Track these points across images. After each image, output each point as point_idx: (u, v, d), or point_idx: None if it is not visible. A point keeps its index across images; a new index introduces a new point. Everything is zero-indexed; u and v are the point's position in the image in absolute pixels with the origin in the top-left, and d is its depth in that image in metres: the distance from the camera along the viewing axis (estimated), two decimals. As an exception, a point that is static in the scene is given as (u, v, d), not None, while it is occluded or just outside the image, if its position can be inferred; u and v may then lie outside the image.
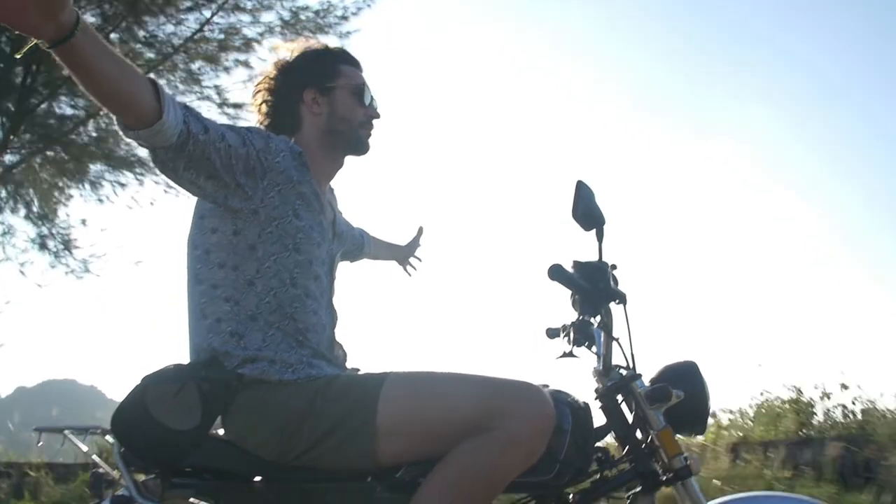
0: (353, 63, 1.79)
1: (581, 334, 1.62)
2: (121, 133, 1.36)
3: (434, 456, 1.45)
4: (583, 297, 1.52)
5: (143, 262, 8.91)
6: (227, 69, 8.10)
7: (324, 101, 1.73)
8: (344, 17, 8.08)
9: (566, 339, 1.65)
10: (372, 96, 1.78)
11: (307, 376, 1.54)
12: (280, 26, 7.93)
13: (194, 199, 1.62)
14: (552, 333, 1.78)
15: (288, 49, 1.78)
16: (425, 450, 1.46)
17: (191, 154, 1.41)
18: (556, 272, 1.43)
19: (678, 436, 1.58)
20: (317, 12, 8.03)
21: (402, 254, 2.38)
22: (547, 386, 1.61)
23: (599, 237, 1.52)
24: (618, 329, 1.60)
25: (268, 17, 7.97)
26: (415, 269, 2.42)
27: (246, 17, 7.86)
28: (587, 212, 1.48)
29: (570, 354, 1.65)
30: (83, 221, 8.72)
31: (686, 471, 1.48)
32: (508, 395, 1.44)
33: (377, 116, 1.77)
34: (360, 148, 1.77)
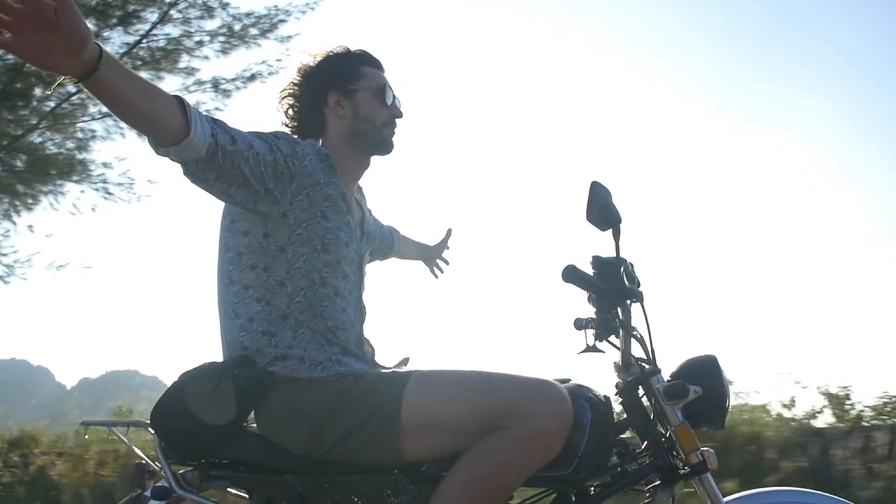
0: (374, 64, 1.83)
1: (603, 329, 1.64)
2: (153, 151, 1.43)
3: (456, 452, 1.50)
4: (598, 296, 1.54)
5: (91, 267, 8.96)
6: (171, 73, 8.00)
7: (347, 103, 1.77)
8: (283, 21, 8.05)
9: (590, 333, 1.67)
10: (394, 95, 1.82)
11: (336, 374, 1.60)
12: (222, 34, 7.89)
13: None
14: (580, 324, 1.80)
15: (310, 54, 1.83)
16: (447, 446, 1.51)
17: (220, 165, 1.47)
18: (569, 274, 1.46)
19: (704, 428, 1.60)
20: (259, 17, 7.99)
21: (430, 254, 2.40)
22: (569, 381, 1.65)
23: (616, 236, 1.54)
24: (641, 324, 1.63)
25: (211, 24, 7.91)
26: (441, 270, 2.43)
27: (188, 27, 7.82)
28: (603, 212, 1.50)
29: (594, 349, 1.67)
30: (30, 227, 8.50)
31: (702, 466, 1.50)
32: (526, 394, 1.48)
33: (400, 115, 1.82)
34: (385, 147, 1.81)
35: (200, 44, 7.81)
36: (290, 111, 1.83)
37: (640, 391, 1.60)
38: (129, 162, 8.34)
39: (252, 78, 8.01)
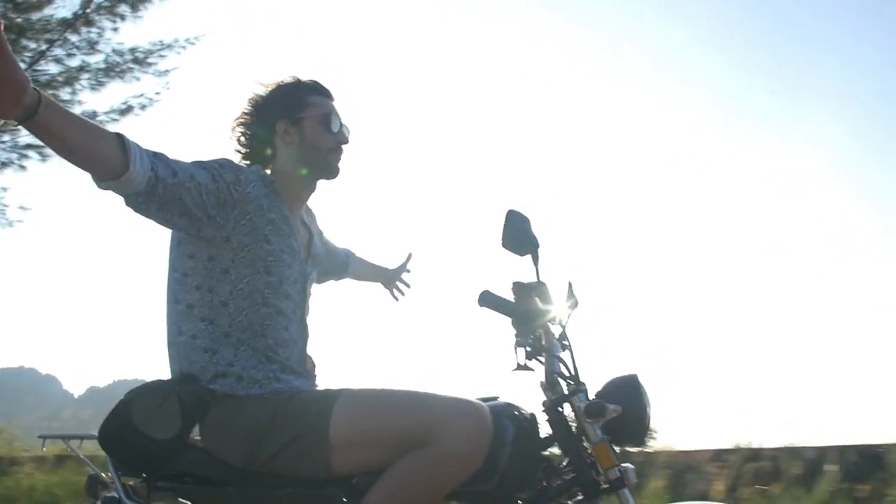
0: (322, 93, 1.91)
1: (534, 348, 1.72)
2: (95, 185, 1.51)
3: (384, 466, 1.57)
4: (514, 320, 1.62)
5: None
6: None
7: (294, 130, 1.85)
8: (162, 56, 8.66)
9: (521, 352, 1.75)
10: (341, 123, 1.90)
11: (273, 391, 1.67)
12: (101, 69, 8.32)
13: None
14: (515, 343, 1.87)
15: (261, 84, 1.92)
16: (374, 461, 1.58)
17: (161, 197, 1.55)
18: (484, 299, 1.53)
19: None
20: (140, 52, 8.52)
21: (389, 277, 2.47)
22: (496, 398, 1.72)
23: (535, 260, 1.61)
24: (581, 341, 1.70)
25: (94, 58, 8.38)
26: (402, 293, 2.49)
27: (71, 62, 8.26)
28: (519, 238, 1.58)
29: (524, 367, 1.74)
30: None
31: (620, 482, 1.57)
32: (444, 413, 1.55)
33: (346, 142, 1.89)
34: (331, 172, 1.89)
35: (76, 79, 8.26)
36: (242, 138, 1.91)
37: (565, 409, 1.67)
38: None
39: (127, 110, 8.54)
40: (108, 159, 1.46)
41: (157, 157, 1.56)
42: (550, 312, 1.62)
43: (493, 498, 1.63)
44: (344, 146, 1.90)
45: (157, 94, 8.67)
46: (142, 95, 8.60)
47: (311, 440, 1.59)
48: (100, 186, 1.51)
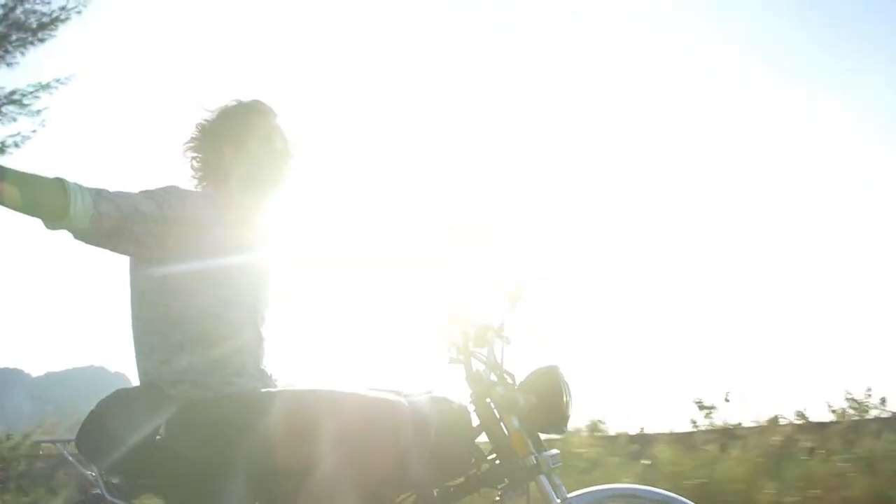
0: (263, 111, 2.04)
1: (463, 342, 1.80)
2: (45, 227, 1.67)
3: (322, 459, 1.70)
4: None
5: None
6: None
7: (242, 152, 1.98)
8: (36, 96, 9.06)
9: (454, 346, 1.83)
10: (284, 138, 2.02)
11: (224, 394, 1.83)
12: None
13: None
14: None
15: (207, 110, 2.05)
16: (313, 455, 1.72)
17: (107, 230, 1.71)
18: None
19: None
20: (18, 94, 8.93)
21: None
22: (429, 391, 1.82)
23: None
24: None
25: None
26: None
27: None
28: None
29: (458, 360, 1.83)
30: None
31: (536, 469, 1.64)
32: (370, 410, 1.67)
33: (290, 156, 2.02)
34: (279, 186, 2.03)
35: None
36: (194, 162, 2.05)
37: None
38: None
39: (2, 150, 8.88)
40: (50, 206, 1.62)
41: (99, 195, 1.71)
42: (474, 309, 1.69)
43: (426, 485, 1.74)
44: (289, 160, 2.02)
45: (33, 131, 9.22)
46: (17, 134, 9.11)
47: (256, 437, 1.74)
48: (48, 228, 1.68)
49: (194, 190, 1.96)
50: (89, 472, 2.00)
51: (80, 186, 1.68)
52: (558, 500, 1.65)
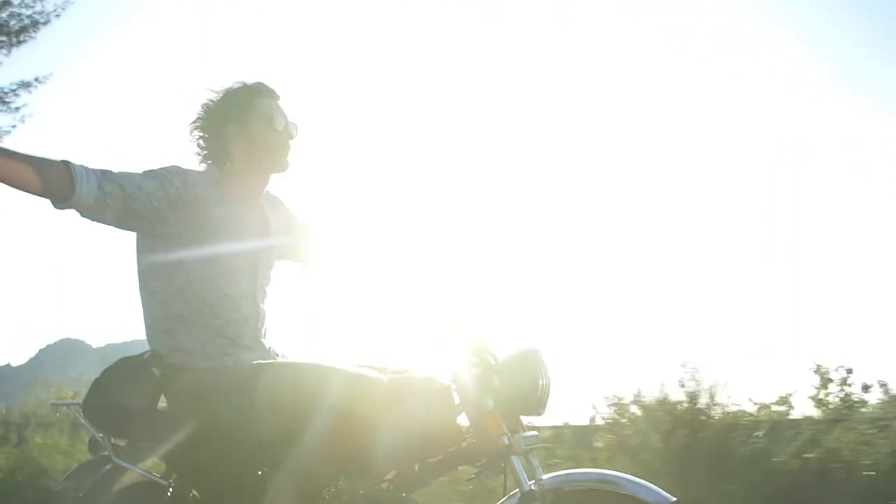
0: (267, 94, 2.10)
1: (448, 326, 1.84)
2: (53, 207, 1.77)
3: (302, 432, 1.77)
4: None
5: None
6: None
7: (244, 133, 2.05)
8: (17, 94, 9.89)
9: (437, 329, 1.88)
10: (286, 120, 2.08)
11: (219, 364, 1.92)
12: None
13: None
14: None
15: (212, 91, 2.12)
16: (294, 425, 1.79)
17: (112, 208, 1.81)
18: None
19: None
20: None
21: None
22: (414, 370, 1.87)
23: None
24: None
25: None
26: None
27: None
28: None
29: (444, 341, 1.87)
30: None
31: (508, 449, 1.68)
32: (350, 385, 1.73)
33: (292, 137, 2.09)
34: (281, 167, 2.10)
35: None
36: (201, 141, 2.12)
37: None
38: None
39: None
40: (56, 187, 1.72)
41: (104, 175, 1.80)
42: (456, 294, 1.74)
43: (406, 461, 1.80)
44: (290, 142, 2.08)
45: (13, 126, 10.09)
46: None
47: (243, 405, 1.82)
48: (56, 207, 1.78)
49: (196, 170, 2.04)
50: (99, 436, 2.14)
51: (86, 168, 1.77)
52: (530, 482, 1.68)
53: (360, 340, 2.16)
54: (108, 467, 2.09)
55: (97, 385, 1.96)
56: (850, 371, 4.02)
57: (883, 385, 3.96)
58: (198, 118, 2.12)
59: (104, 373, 1.98)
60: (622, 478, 1.66)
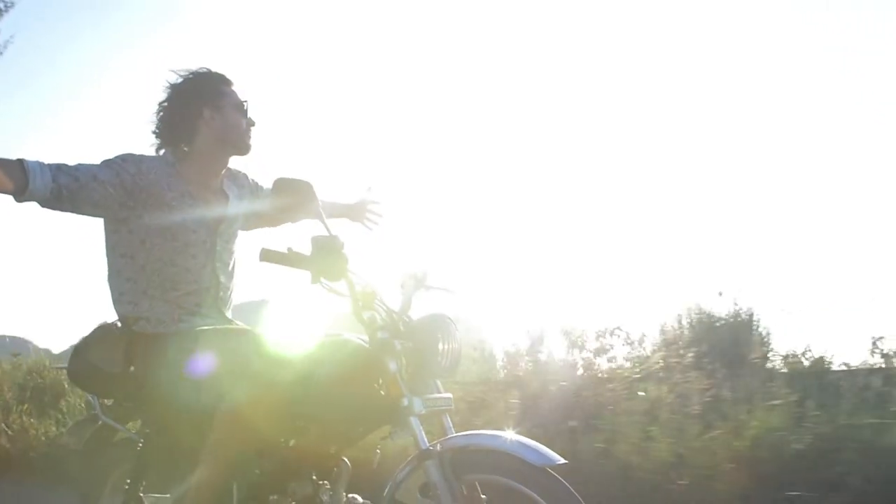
0: (232, 83, 2.26)
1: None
2: (13, 201, 1.94)
3: (229, 392, 1.90)
4: (314, 272, 1.77)
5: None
6: None
7: (218, 115, 2.19)
8: None
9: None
10: (250, 108, 2.24)
11: (175, 330, 2.09)
12: None
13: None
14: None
15: (176, 73, 2.26)
16: (222, 387, 1.92)
17: (68, 198, 1.97)
18: (264, 255, 1.74)
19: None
20: None
21: (355, 211, 2.69)
22: (337, 335, 1.95)
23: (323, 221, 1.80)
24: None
25: None
26: (375, 223, 2.73)
27: None
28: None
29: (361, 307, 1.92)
30: None
31: (406, 411, 1.72)
32: (273, 348, 1.85)
33: (254, 125, 2.25)
34: (246, 150, 2.26)
35: None
36: (165, 118, 2.23)
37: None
38: None
39: None
40: (11, 184, 1.88)
41: (58, 169, 1.97)
42: (348, 262, 1.77)
43: (330, 422, 1.89)
44: (252, 128, 2.23)
45: None
46: None
47: (184, 370, 1.98)
48: (17, 201, 1.95)
49: (150, 154, 2.20)
50: (89, 396, 2.39)
51: (40, 164, 1.94)
52: (427, 442, 1.71)
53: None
54: (98, 423, 2.35)
55: (77, 350, 2.19)
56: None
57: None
58: (166, 98, 2.26)
59: (83, 339, 2.20)
60: (515, 440, 1.65)
